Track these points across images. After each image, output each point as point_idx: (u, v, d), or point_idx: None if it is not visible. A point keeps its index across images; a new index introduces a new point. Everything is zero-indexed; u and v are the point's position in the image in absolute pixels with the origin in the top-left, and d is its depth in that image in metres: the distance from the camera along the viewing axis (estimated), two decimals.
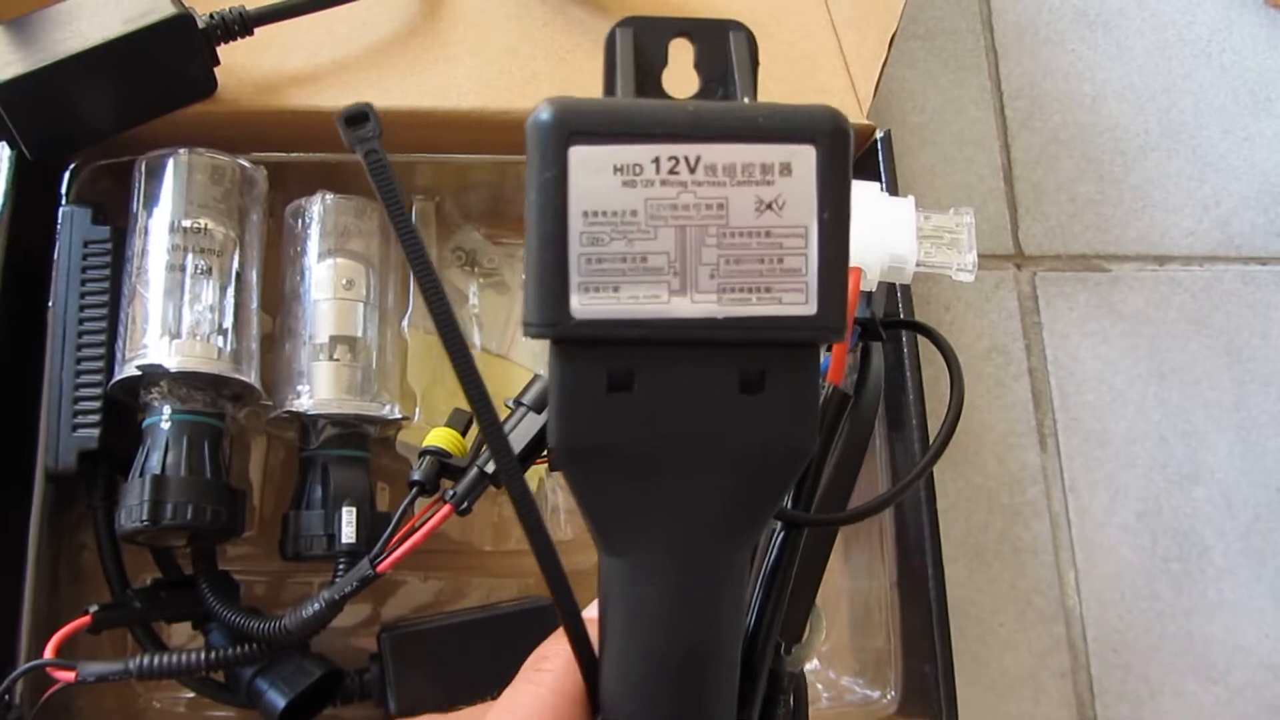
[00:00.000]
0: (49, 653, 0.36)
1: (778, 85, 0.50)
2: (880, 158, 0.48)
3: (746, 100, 0.21)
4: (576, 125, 0.18)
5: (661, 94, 0.22)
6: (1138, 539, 0.54)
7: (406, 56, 0.47)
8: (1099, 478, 0.55)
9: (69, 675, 0.36)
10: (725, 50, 0.22)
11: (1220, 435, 0.56)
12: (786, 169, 0.18)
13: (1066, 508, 0.55)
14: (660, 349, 0.19)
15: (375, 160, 0.19)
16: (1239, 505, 0.55)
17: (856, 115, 0.49)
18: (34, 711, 0.38)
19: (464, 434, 0.40)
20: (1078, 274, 0.59)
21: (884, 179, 0.48)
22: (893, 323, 0.34)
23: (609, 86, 0.22)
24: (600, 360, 0.19)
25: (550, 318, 0.18)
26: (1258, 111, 0.63)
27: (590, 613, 0.24)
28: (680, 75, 0.22)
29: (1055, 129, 0.62)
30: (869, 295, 0.32)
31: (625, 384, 0.19)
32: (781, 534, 0.30)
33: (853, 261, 0.28)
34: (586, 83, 0.48)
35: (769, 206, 0.18)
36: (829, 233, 0.18)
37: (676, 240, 0.18)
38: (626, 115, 0.18)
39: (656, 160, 0.18)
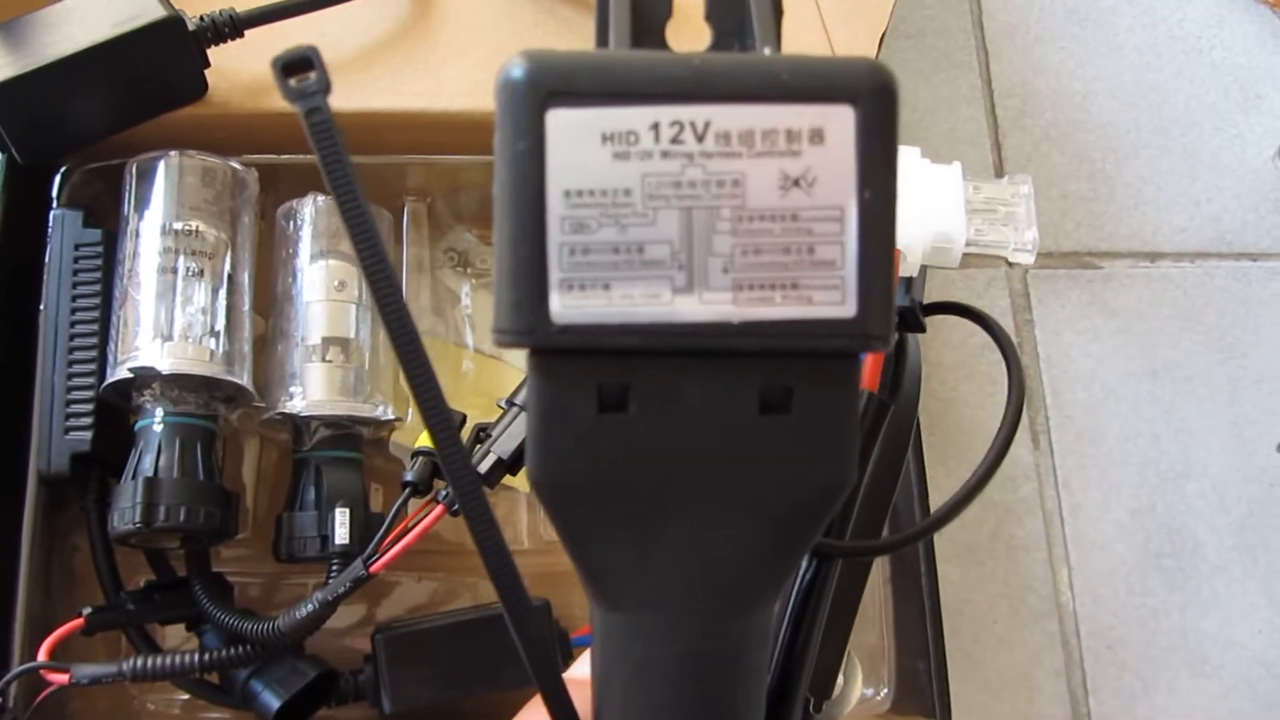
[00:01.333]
0: (42, 655, 0.37)
1: None
2: None
3: (767, 53, 0.18)
4: (556, 84, 0.15)
5: (664, 47, 0.18)
6: (1131, 535, 0.55)
7: (397, 58, 0.47)
8: (1092, 475, 0.55)
9: (63, 678, 0.36)
10: None
11: (1213, 432, 0.57)
12: (818, 136, 0.15)
13: (1059, 505, 0.55)
14: (662, 361, 0.15)
15: (319, 121, 0.15)
16: (1232, 501, 0.55)
17: None
18: (28, 714, 0.38)
19: None
20: (1069, 271, 0.59)
21: None
22: (935, 307, 0.28)
23: (601, 38, 0.19)
24: (588, 374, 0.15)
25: (526, 323, 0.15)
26: (1248, 108, 0.63)
27: (577, 671, 0.20)
28: (691, 30, 0.18)
29: (1046, 127, 0.62)
30: (909, 281, 0.27)
31: (619, 403, 0.15)
32: (811, 568, 0.25)
33: None
34: None
35: (796, 183, 0.15)
36: (871, 215, 0.15)
37: (681, 226, 0.15)
38: (618, 70, 0.15)
39: (655, 126, 0.15)
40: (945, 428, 0.55)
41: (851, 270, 0.15)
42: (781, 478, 0.16)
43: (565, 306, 0.15)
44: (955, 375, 0.56)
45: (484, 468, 0.38)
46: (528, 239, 0.15)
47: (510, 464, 0.37)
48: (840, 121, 0.14)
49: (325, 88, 0.16)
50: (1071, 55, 0.63)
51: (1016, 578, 0.53)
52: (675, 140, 0.15)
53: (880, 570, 0.47)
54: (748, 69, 0.15)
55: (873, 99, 0.15)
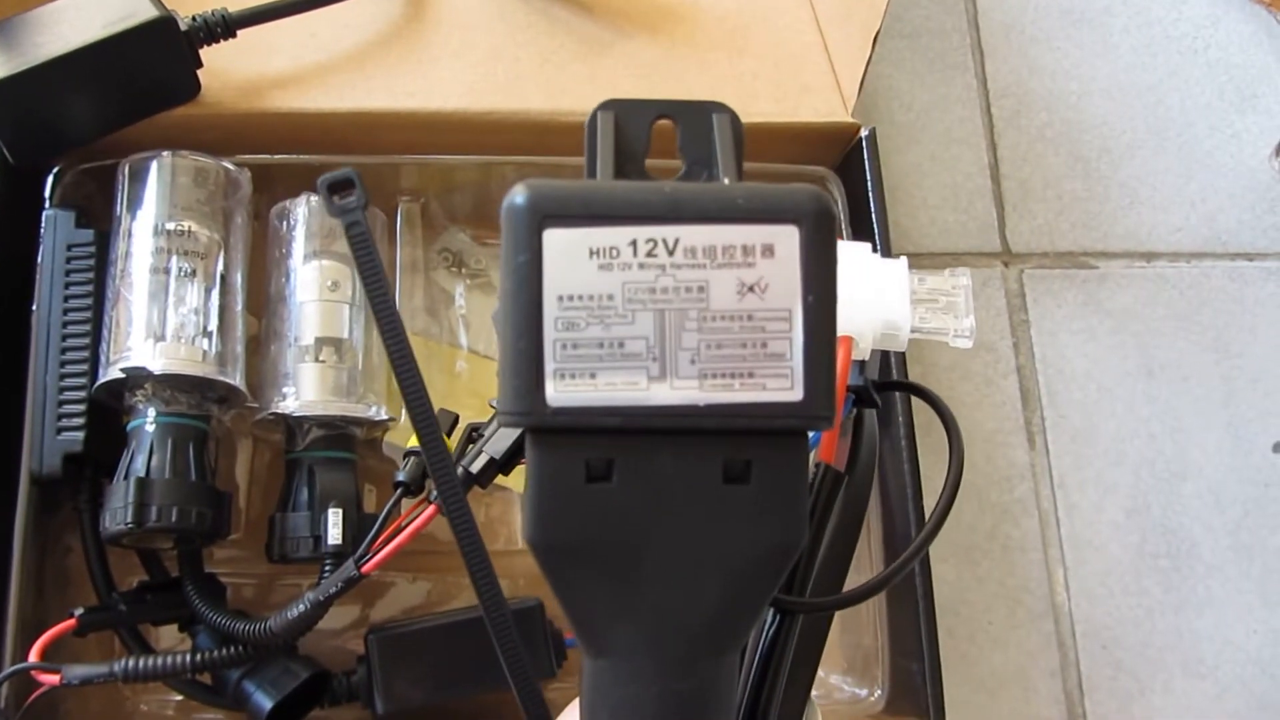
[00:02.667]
0: (34, 656, 0.36)
1: (764, 84, 0.50)
2: (865, 156, 0.48)
3: (728, 181, 0.21)
4: (551, 208, 0.18)
5: (644, 176, 0.21)
6: (1127, 536, 0.54)
7: (390, 58, 0.47)
8: (1088, 475, 0.55)
9: (53, 678, 0.36)
10: (708, 132, 0.22)
11: (1209, 432, 0.56)
12: (769, 250, 0.18)
13: (1055, 505, 0.55)
14: (640, 438, 0.18)
15: (358, 233, 0.19)
16: (1227, 502, 0.55)
17: (841, 113, 0.49)
18: (19, 715, 0.38)
19: (449, 434, 0.40)
20: (1065, 271, 0.59)
21: (869, 177, 0.48)
22: (887, 385, 0.32)
23: (590, 170, 0.22)
24: (578, 450, 0.18)
25: (525, 406, 0.18)
26: (1244, 108, 0.63)
27: (567, 717, 0.23)
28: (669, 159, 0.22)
29: (1042, 127, 0.62)
30: (861, 364, 0.30)
31: (604, 475, 0.18)
32: (774, 622, 0.28)
33: (844, 329, 0.26)
34: (570, 84, 0.48)
35: (751, 289, 0.18)
36: (814, 315, 0.18)
37: (655, 325, 0.18)
38: (602, 197, 0.18)
39: (634, 243, 0.18)
40: (940, 429, 0.55)
41: (799, 361, 0.18)
42: (743, 538, 0.18)
43: (558, 391, 0.18)
44: (951, 376, 0.56)
45: (476, 467, 0.37)
46: (527, 335, 0.18)
47: (503, 463, 0.37)
48: (787, 239, 0.18)
49: (364, 204, 0.19)
50: (1067, 55, 0.63)
51: (1012, 578, 0.53)
52: (650, 254, 0.18)
53: (874, 571, 0.46)
54: (709, 196, 0.18)
55: (814, 220, 0.18)
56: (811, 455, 0.27)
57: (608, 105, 0.22)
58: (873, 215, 0.47)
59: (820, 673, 0.47)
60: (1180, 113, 0.63)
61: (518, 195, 0.18)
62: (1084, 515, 0.55)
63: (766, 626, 0.27)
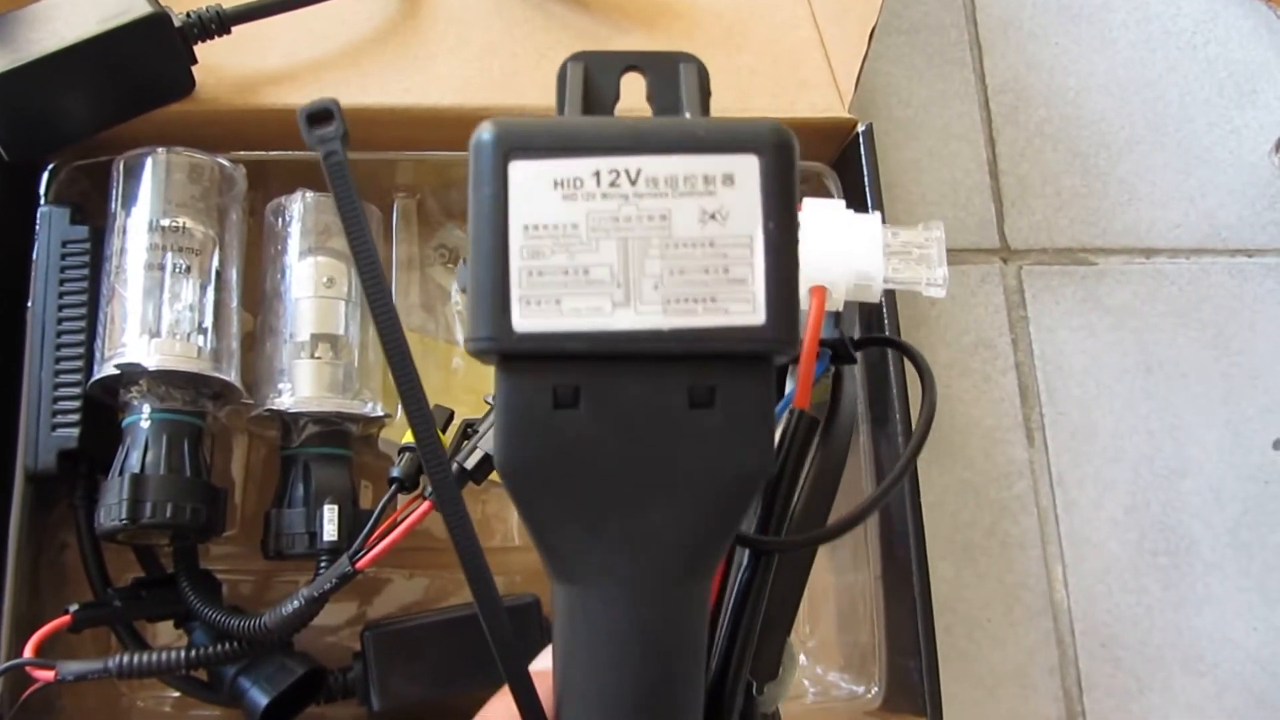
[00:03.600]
0: (28, 652, 0.36)
1: (761, 80, 0.50)
2: (862, 151, 0.48)
3: (688, 116, 0.22)
4: (516, 141, 0.18)
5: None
6: (1126, 533, 0.54)
7: (386, 54, 0.47)
8: (1087, 472, 0.55)
9: (48, 674, 0.36)
10: (676, 81, 0.22)
11: (1208, 429, 0.56)
12: (729, 180, 0.18)
13: (1054, 502, 0.55)
14: (606, 365, 0.19)
15: (335, 163, 0.19)
16: (1227, 499, 0.55)
17: (838, 109, 0.49)
18: (13, 711, 0.38)
19: (444, 430, 0.40)
20: (1064, 268, 0.59)
21: (866, 172, 0.48)
22: (865, 341, 0.32)
23: (559, 110, 0.22)
24: (544, 376, 0.19)
25: (492, 333, 0.18)
26: (1243, 103, 0.63)
27: (541, 663, 0.23)
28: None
29: (1040, 123, 0.62)
30: (837, 316, 0.30)
31: (571, 401, 0.19)
32: (750, 562, 0.28)
33: (818, 280, 0.27)
34: None
35: (712, 217, 0.18)
36: (775, 242, 0.18)
37: (619, 252, 0.18)
38: (566, 130, 0.19)
39: (597, 173, 0.18)
40: (939, 424, 0.55)
41: (760, 286, 0.18)
42: (708, 464, 0.19)
43: (524, 318, 0.18)
44: (949, 373, 0.56)
45: (471, 463, 0.38)
46: (494, 264, 0.18)
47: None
48: (747, 168, 0.18)
49: (343, 135, 0.19)
50: (1065, 51, 0.63)
51: (1011, 575, 0.53)
52: (613, 184, 0.18)
53: (871, 568, 0.46)
54: (671, 128, 0.19)
55: (774, 150, 0.18)
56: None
57: (577, 57, 0.22)
58: (869, 211, 0.47)
59: (819, 670, 0.47)
60: (1179, 108, 0.63)
61: (484, 131, 0.18)
62: (1083, 512, 0.54)
63: (743, 568, 0.28)
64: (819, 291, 0.26)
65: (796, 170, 0.19)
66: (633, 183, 0.18)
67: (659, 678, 0.20)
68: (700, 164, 0.18)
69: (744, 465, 0.19)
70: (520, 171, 0.18)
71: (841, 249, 0.29)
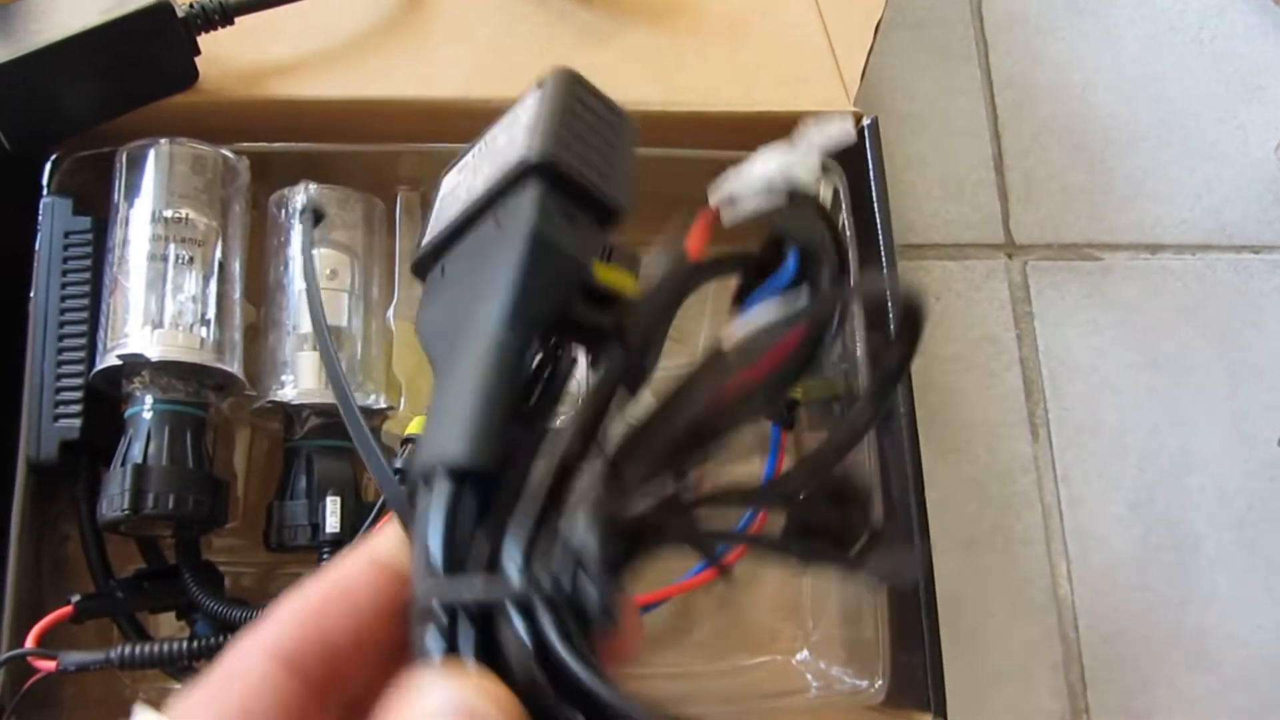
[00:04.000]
0: (30, 642, 0.36)
1: (765, 74, 0.49)
2: (867, 146, 0.48)
3: None
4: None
5: None
6: (1130, 529, 0.54)
7: (389, 45, 0.47)
8: (1091, 468, 0.55)
9: (50, 665, 0.36)
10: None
11: (1213, 425, 0.56)
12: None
13: (1058, 498, 0.54)
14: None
15: None
16: (1232, 495, 0.55)
17: (843, 103, 0.49)
18: (15, 701, 0.38)
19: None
20: (1069, 263, 0.59)
21: (871, 167, 0.48)
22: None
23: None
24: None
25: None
26: (1249, 99, 0.63)
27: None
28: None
29: (1046, 118, 0.61)
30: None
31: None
32: None
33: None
34: None
35: None
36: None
37: None
38: None
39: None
40: (944, 420, 0.55)
41: None
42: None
43: None
44: (954, 368, 0.56)
45: None
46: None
47: None
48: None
49: None
50: (1071, 46, 0.63)
51: (1015, 571, 0.53)
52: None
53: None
54: None
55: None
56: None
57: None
58: (874, 206, 0.47)
59: (822, 664, 0.47)
60: (1185, 104, 0.62)
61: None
62: (1087, 508, 0.54)
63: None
64: (706, 213, 0.24)
65: None
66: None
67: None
68: None
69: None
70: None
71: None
